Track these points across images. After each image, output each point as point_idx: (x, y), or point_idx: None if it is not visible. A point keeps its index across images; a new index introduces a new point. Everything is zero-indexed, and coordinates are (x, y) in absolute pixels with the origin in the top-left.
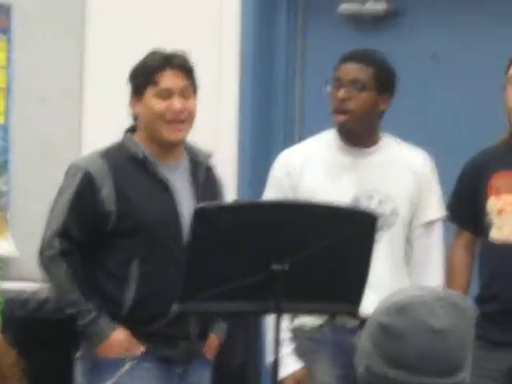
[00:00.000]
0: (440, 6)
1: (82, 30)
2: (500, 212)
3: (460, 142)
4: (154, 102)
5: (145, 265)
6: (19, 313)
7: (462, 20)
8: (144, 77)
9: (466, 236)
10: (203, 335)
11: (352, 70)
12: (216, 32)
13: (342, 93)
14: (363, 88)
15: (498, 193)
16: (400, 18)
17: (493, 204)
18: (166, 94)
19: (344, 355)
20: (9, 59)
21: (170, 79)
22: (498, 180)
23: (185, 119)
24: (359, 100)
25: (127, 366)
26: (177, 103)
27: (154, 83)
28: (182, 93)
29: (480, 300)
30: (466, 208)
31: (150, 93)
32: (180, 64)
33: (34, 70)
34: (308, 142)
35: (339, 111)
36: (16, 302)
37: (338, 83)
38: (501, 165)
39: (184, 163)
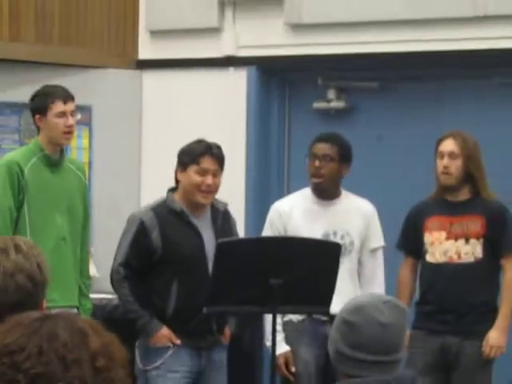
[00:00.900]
0: (383, 102)
1: (140, 121)
2: (432, 243)
3: (401, 197)
4: (194, 176)
5: (181, 284)
6: (100, 315)
7: (399, 111)
8: (190, 157)
9: (410, 260)
10: (221, 329)
11: (323, 148)
12: (231, 128)
13: (317, 163)
14: (331, 160)
15: (431, 230)
16: (354, 111)
17: (427, 238)
18: (203, 172)
19: (319, 340)
20: (90, 144)
21: (208, 163)
22: (430, 222)
23: (213, 191)
24: (329, 169)
25: (170, 352)
26: (210, 180)
27: (197, 163)
28: (214, 173)
29: (420, 303)
30: (410, 241)
31: (192, 169)
32: (216, 153)
33: (108, 150)
34: (292, 196)
35: (316, 176)
36: (98, 307)
37: (314, 157)
38: (432, 212)
39: (208, 213)
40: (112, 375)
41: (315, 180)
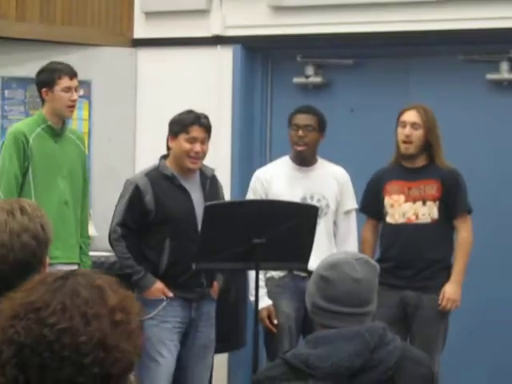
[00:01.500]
0: (357, 78)
1: (135, 94)
2: (392, 205)
3: (371, 163)
4: (184, 144)
5: (173, 242)
6: (98, 270)
7: (371, 86)
8: (181, 126)
9: (371, 222)
10: (210, 283)
11: (305, 118)
12: (218, 101)
13: (300, 133)
14: (313, 130)
15: (390, 194)
16: (330, 86)
17: (387, 201)
18: (192, 140)
19: (299, 294)
20: (89, 115)
21: (196, 132)
22: (390, 186)
23: (201, 157)
24: (310, 137)
25: (164, 303)
26: (198, 148)
27: (187, 132)
28: (202, 141)
29: (381, 260)
30: (371, 204)
31: (182, 137)
32: (204, 123)
33: (105, 121)
34: (272, 164)
35: (299, 144)
36: (96, 264)
37: (297, 127)
38: (390, 177)
39: (197, 177)
40: (128, 328)
41: (299, 148)
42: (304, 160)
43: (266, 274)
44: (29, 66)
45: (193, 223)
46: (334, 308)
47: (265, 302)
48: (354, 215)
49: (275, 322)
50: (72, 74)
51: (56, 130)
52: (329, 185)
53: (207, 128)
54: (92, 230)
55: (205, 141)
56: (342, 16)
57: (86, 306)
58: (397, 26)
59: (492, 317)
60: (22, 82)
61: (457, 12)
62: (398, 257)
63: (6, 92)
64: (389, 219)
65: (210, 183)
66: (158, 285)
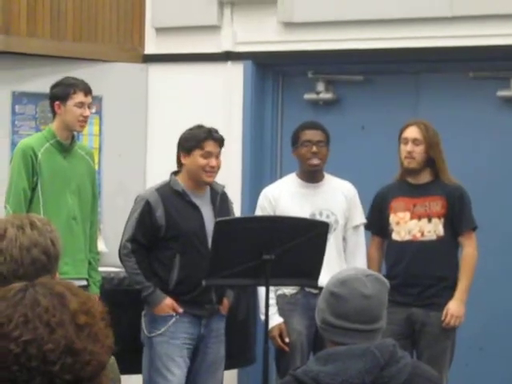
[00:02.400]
0: (367, 94)
1: (146, 110)
2: (397, 223)
3: (380, 180)
4: (199, 159)
5: (183, 258)
6: (108, 286)
7: (381, 102)
8: (194, 142)
9: (377, 239)
10: (219, 300)
11: (316, 134)
12: (228, 117)
13: (314, 149)
14: (324, 145)
15: (395, 211)
16: (341, 102)
17: (392, 218)
18: (207, 155)
19: (310, 311)
20: (100, 130)
21: (211, 146)
22: (395, 203)
23: (216, 170)
24: (324, 153)
25: (173, 319)
26: (214, 162)
27: (201, 148)
28: (216, 155)
29: (387, 277)
30: (376, 222)
31: (197, 153)
32: (217, 137)
33: (116, 136)
34: (280, 182)
35: (315, 158)
36: (106, 280)
37: (309, 143)
38: (395, 193)
39: (207, 193)
40: (94, 330)
41: (316, 161)
42: (316, 175)
43: (276, 291)
44: (40, 82)
45: (203, 239)
46: (344, 324)
47: (275, 320)
48: (362, 230)
49: (287, 340)
50: (87, 91)
51: (65, 146)
52: (337, 200)
53: (220, 142)
54: (101, 246)
55: (218, 155)
56: (353, 32)
57: (47, 315)
58: (407, 43)
59: (502, 332)
60: (33, 97)
61: (467, 29)
62: (405, 274)
63: (17, 107)
64: (395, 236)
65: (220, 199)
66: (168, 301)
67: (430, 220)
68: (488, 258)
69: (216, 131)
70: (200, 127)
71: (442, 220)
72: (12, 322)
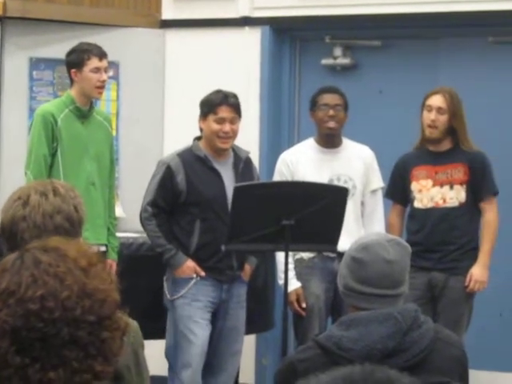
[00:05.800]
0: (385, 59)
1: (163, 75)
2: (420, 190)
3: (398, 145)
4: (213, 124)
5: (203, 223)
6: (126, 252)
7: (399, 67)
8: (209, 107)
9: (398, 207)
10: (241, 266)
11: (334, 98)
12: (246, 83)
13: (331, 112)
14: (341, 109)
15: (418, 179)
16: (359, 67)
17: (414, 186)
18: (221, 121)
19: (328, 275)
20: (118, 96)
21: (224, 112)
22: (417, 171)
23: (230, 137)
24: (341, 116)
25: (194, 281)
26: (227, 128)
27: (215, 113)
28: (231, 121)
29: (410, 244)
30: (397, 190)
31: (211, 118)
32: (232, 102)
33: (133, 102)
34: (297, 147)
35: (332, 121)
36: (124, 245)
37: (327, 106)
38: (417, 162)
39: (230, 159)
40: (97, 270)
41: (332, 125)
42: (333, 139)
43: (294, 255)
44: (57, 47)
45: (224, 205)
46: (367, 290)
47: (293, 284)
48: (380, 194)
49: (303, 305)
50: (101, 55)
51: (83, 112)
52: (355, 166)
53: (236, 107)
54: (120, 211)
55: (234, 120)
56: None
57: (52, 268)
58: (425, 7)
59: None
60: (51, 63)
61: None
62: (427, 240)
63: (35, 73)
64: (417, 204)
65: (243, 165)
66: (189, 263)
67: (451, 187)
68: (510, 223)
69: (233, 96)
70: (218, 92)
71: (464, 186)
72: (22, 286)
